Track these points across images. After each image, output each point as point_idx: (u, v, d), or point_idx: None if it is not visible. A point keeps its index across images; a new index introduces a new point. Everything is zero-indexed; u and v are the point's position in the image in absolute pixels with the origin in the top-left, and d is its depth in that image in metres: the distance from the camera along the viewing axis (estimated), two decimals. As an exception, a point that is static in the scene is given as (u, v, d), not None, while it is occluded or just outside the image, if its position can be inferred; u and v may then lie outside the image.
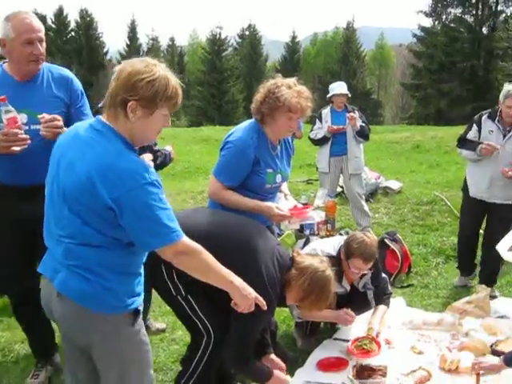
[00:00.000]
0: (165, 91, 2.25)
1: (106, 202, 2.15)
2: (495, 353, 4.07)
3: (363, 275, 4.25)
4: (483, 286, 5.03)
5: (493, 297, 5.24)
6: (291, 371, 3.78)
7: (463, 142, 5.39)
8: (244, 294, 2.56)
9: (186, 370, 3.37)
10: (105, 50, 48.38)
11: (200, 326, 3.23)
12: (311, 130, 7.24)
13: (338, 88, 7.17)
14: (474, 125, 5.30)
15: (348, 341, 4.18)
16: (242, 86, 45.57)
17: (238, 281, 2.54)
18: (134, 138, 2.30)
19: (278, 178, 3.67)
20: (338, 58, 49.38)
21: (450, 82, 34.98)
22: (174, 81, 2.31)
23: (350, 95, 7.20)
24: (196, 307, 3.23)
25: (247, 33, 50.52)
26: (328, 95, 7.17)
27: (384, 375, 3.74)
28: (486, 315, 4.67)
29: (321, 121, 7.13)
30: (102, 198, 2.15)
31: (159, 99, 2.25)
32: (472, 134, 5.29)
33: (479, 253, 5.61)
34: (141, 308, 2.42)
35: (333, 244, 4.28)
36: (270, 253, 3.23)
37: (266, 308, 2.67)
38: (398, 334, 4.41)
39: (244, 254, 3.11)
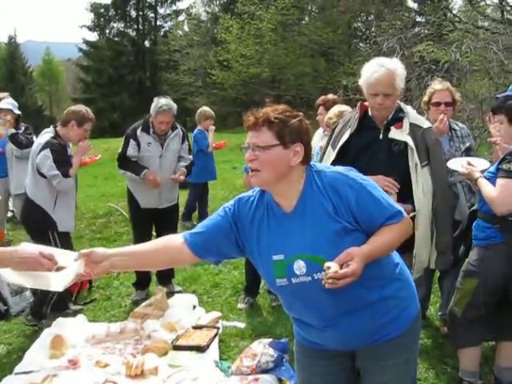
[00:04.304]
0: None
1: None
2: (176, 348, 4.29)
3: None
4: (159, 287, 5.27)
5: (176, 292, 5.61)
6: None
7: (125, 162, 5.48)
8: (27, 262, 2.19)
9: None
10: None
11: None
12: None
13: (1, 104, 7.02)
14: (131, 140, 5.44)
15: (29, 372, 3.97)
16: None
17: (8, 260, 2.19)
18: None
19: None
20: (2, 74, 46.56)
21: (119, 94, 35.86)
22: None
23: (17, 112, 6.98)
24: None
25: None
26: None
27: (70, 398, 3.64)
28: (164, 314, 4.88)
29: None
30: None
31: None
32: (132, 150, 5.43)
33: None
34: None
35: None
36: None
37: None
38: (83, 353, 4.33)
39: None
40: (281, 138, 2.10)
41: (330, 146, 3.45)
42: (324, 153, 3.53)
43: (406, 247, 3.39)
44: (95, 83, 38.16)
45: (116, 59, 37.12)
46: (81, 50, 40.06)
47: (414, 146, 3.28)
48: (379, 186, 3.08)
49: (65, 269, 2.22)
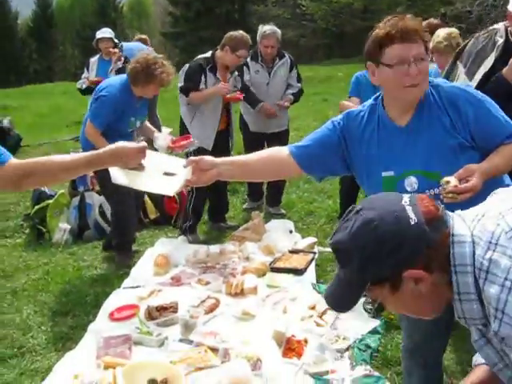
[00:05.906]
0: None
1: None
2: (274, 270, 4.41)
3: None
4: (257, 212, 5.38)
5: (279, 214, 5.89)
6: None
7: (244, 90, 5.68)
8: (119, 160, 2.17)
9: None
10: None
11: None
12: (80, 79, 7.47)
13: (101, 33, 7.39)
14: (244, 67, 5.75)
15: (136, 287, 4.21)
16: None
17: (97, 154, 2.16)
18: None
19: (138, 123, 4.85)
20: (94, 10, 47.33)
21: (208, 28, 35.69)
22: None
23: (117, 41, 7.33)
24: None
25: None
26: (93, 42, 7.45)
27: (175, 311, 3.82)
28: (262, 238, 5.00)
29: (88, 70, 7.32)
30: None
31: None
32: (247, 76, 5.78)
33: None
34: None
35: None
36: None
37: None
38: (185, 271, 4.52)
39: None
40: (426, 49, 2.10)
41: (464, 75, 3.22)
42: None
43: None
44: (183, 17, 38.16)
45: (204, -8, 36.80)
46: (169, -18, 39.99)
47: None
48: None
49: (175, 175, 2.26)
